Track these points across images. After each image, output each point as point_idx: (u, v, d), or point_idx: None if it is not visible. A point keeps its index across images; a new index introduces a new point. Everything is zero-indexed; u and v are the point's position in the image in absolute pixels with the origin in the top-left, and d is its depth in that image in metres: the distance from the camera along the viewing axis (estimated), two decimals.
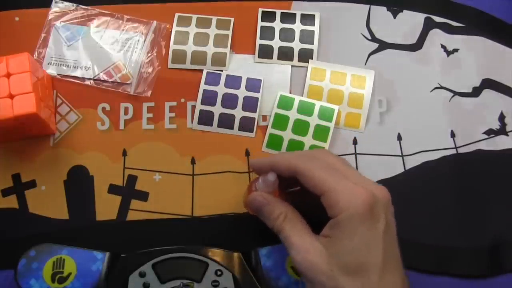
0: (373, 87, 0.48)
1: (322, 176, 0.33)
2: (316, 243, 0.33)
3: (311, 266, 0.32)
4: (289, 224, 0.35)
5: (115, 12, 0.49)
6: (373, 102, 0.48)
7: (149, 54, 0.48)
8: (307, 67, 0.49)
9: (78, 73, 0.47)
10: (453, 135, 0.47)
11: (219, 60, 0.48)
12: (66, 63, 0.47)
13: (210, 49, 0.49)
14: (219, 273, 0.39)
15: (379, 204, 0.33)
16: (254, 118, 0.47)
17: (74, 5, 0.49)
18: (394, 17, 0.51)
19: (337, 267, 0.31)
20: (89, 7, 0.49)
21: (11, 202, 0.44)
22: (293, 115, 0.47)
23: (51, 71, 0.47)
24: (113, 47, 0.48)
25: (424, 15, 0.51)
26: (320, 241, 0.33)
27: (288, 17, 0.50)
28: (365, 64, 0.49)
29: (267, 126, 0.47)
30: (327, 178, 0.33)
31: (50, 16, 0.49)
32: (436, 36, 0.50)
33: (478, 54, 0.50)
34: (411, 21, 0.51)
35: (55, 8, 0.49)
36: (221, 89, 0.47)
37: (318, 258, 0.32)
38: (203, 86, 0.47)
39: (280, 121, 0.46)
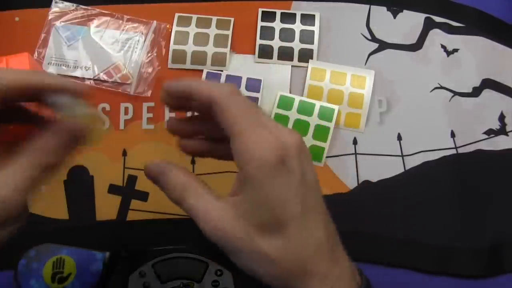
0: (373, 87, 0.48)
1: (239, 114, 0.28)
2: (226, 207, 0.28)
3: (224, 234, 0.28)
4: (190, 192, 0.30)
5: (115, 12, 0.49)
6: (373, 102, 0.48)
7: (149, 54, 0.48)
8: (307, 67, 0.49)
9: (78, 73, 0.47)
10: (453, 135, 0.47)
11: (219, 60, 0.48)
12: (66, 63, 0.47)
13: (210, 49, 0.49)
14: (219, 273, 0.39)
15: (293, 153, 0.28)
16: None
17: (74, 5, 0.49)
18: (394, 17, 0.51)
19: (252, 228, 0.28)
20: (89, 7, 0.49)
21: None
22: (293, 115, 0.47)
23: (51, 71, 0.47)
24: (113, 47, 0.48)
25: (424, 15, 0.51)
26: (229, 202, 0.29)
27: (288, 17, 0.50)
28: (365, 64, 0.49)
29: None
30: (243, 118, 0.28)
31: (50, 16, 0.49)
32: (436, 36, 0.50)
33: (478, 54, 0.50)
34: (411, 21, 0.51)
35: (55, 8, 0.49)
36: None
37: (230, 222, 0.28)
38: None
39: (280, 121, 0.46)
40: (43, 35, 0.48)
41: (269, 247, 0.28)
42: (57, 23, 0.49)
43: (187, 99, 0.29)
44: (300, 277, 0.28)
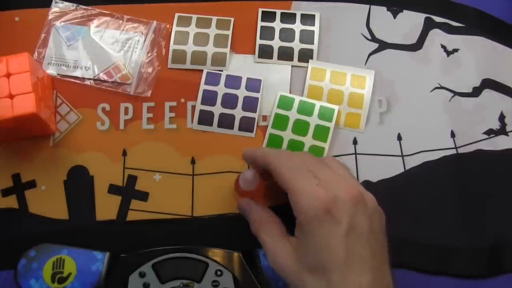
0: (373, 87, 0.48)
1: (288, 175, 0.35)
2: (287, 246, 0.35)
3: (282, 267, 0.34)
4: (263, 229, 0.37)
5: (115, 12, 0.49)
6: (373, 102, 0.48)
7: (149, 54, 0.48)
8: (307, 67, 0.49)
9: (78, 73, 0.47)
10: (453, 135, 0.47)
11: (219, 60, 0.48)
12: (66, 63, 0.47)
13: (210, 49, 0.49)
14: (219, 273, 0.39)
15: (341, 206, 0.33)
16: (254, 118, 0.47)
17: (74, 5, 0.49)
18: (394, 17, 0.51)
19: (304, 268, 0.33)
20: (89, 7, 0.49)
21: (11, 202, 0.44)
22: (293, 115, 0.47)
23: (51, 71, 0.47)
24: (113, 47, 0.48)
25: (424, 15, 0.51)
26: (291, 243, 0.35)
27: (288, 17, 0.50)
28: (365, 64, 0.49)
29: (267, 126, 0.47)
30: (292, 178, 0.34)
31: (50, 16, 0.49)
32: (436, 36, 0.50)
33: (478, 54, 0.50)
34: (411, 21, 0.51)
35: (55, 8, 0.49)
36: (221, 89, 0.47)
37: (288, 260, 0.34)
38: (203, 86, 0.47)
39: (280, 121, 0.46)
40: (43, 35, 0.48)
41: (311, 285, 0.32)
42: (57, 23, 0.49)
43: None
44: None
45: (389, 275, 0.34)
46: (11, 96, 0.40)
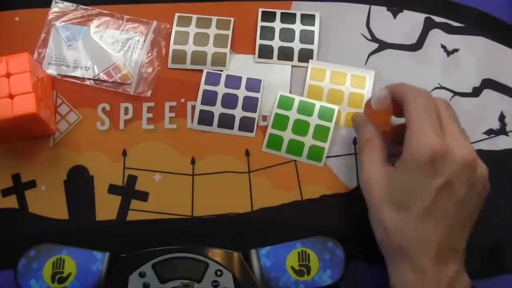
0: (373, 87, 0.48)
1: (415, 113, 0.35)
2: (382, 172, 0.37)
3: (369, 189, 0.37)
4: (367, 149, 0.39)
5: (115, 12, 0.49)
6: None
7: (149, 54, 0.48)
8: (307, 67, 0.49)
9: (78, 73, 0.47)
10: None
11: (219, 60, 0.48)
12: (66, 63, 0.47)
13: (210, 49, 0.49)
14: (219, 273, 0.39)
15: (449, 162, 0.34)
16: (254, 118, 0.47)
17: (74, 5, 0.49)
18: (394, 17, 0.51)
19: (389, 198, 0.35)
20: (89, 7, 0.49)
21: (11, 202, 0.44)
22: (293, 115, 0.47)
23: (51, 71, 0.47)
24: (113, 47, 0.48)
25: (424, 15, 0.51)
26: (387, 171, 0.37)
27: (288, 17, 0.50)
28: (365, 64, 0.49)
29: (267, 126, 0.47)
30: (418, 118, 0.35)
31: (50, 16, 0.49)
32: (436, 36, 0.50)
33: (478, 54, 0.50)
34: (411, 21, 0.51)
35: (55, 8, 0.49)
36: (221, 89, 0.47)
37: (377, 185, 0.36)
38: (203, 86, 0.47)
39: (280, 121, 0.46)
40: (43, 35, 0.48)
41: (389, 217, 0.35)
42: (57, 23, 0.49)
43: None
44: (398, 254, 0.35)
45: (463, 246, 0.36)
46: (11, 96, 0.40)
